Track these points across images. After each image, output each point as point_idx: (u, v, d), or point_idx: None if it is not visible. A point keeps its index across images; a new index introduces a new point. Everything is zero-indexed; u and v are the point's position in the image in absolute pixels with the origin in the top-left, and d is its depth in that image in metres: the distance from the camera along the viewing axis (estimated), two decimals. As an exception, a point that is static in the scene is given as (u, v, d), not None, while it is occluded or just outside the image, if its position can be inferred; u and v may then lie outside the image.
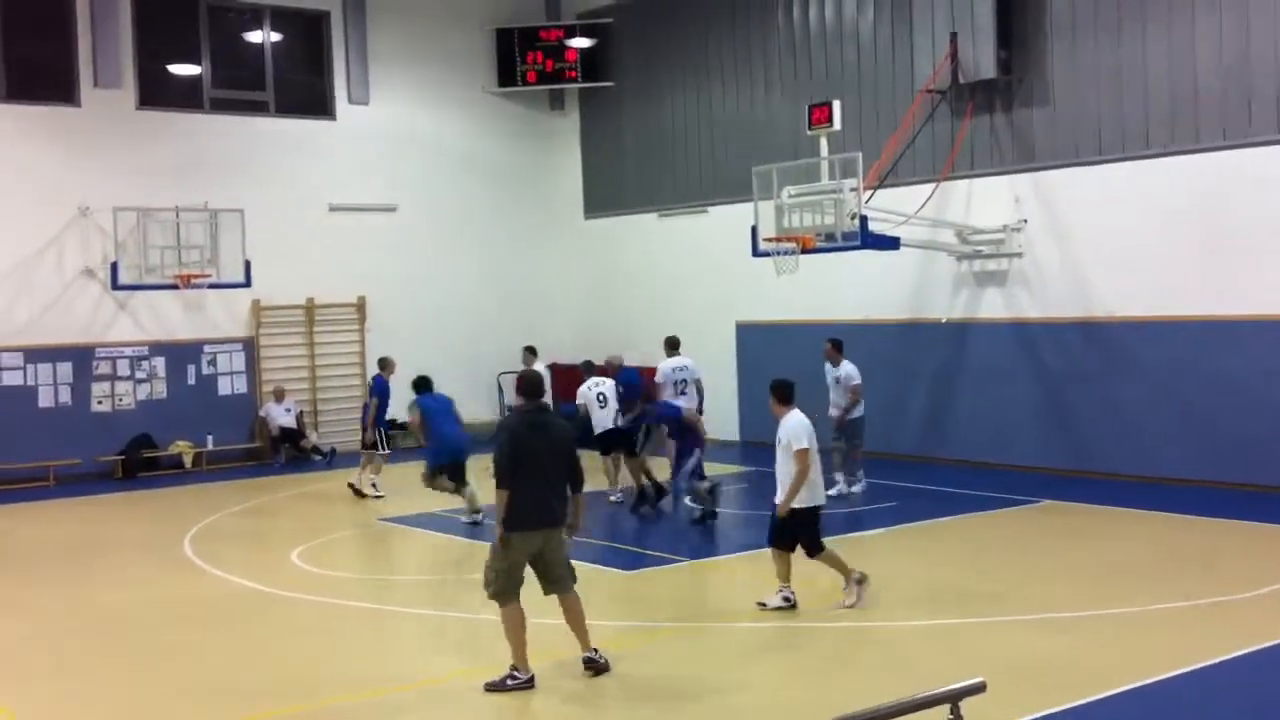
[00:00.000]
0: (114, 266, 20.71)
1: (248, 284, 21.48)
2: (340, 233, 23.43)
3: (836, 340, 16.63)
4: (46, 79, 21.29)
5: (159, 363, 21.63)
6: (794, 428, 10.40)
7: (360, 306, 23.71)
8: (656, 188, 24.16)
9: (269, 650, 10.19)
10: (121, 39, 21.53)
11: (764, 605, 10.52)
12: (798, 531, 10.45)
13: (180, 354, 21.85)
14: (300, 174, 23.12)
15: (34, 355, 20.52)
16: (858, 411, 16.33)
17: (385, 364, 18.47)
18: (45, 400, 20.52)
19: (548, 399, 10.77)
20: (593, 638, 8.98)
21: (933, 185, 18.65)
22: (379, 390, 18.19)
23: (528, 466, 8.58)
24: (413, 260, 24.18)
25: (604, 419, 16.48)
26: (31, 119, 20.85)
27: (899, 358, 19.40)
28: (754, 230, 18.00)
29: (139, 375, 21.45)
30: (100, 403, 21.05)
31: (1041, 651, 9.22)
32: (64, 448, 20.22)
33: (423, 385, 16.42)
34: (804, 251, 17.26)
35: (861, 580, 10.60)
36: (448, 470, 15.46)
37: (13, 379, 20.14)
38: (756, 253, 18.15)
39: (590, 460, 16.89)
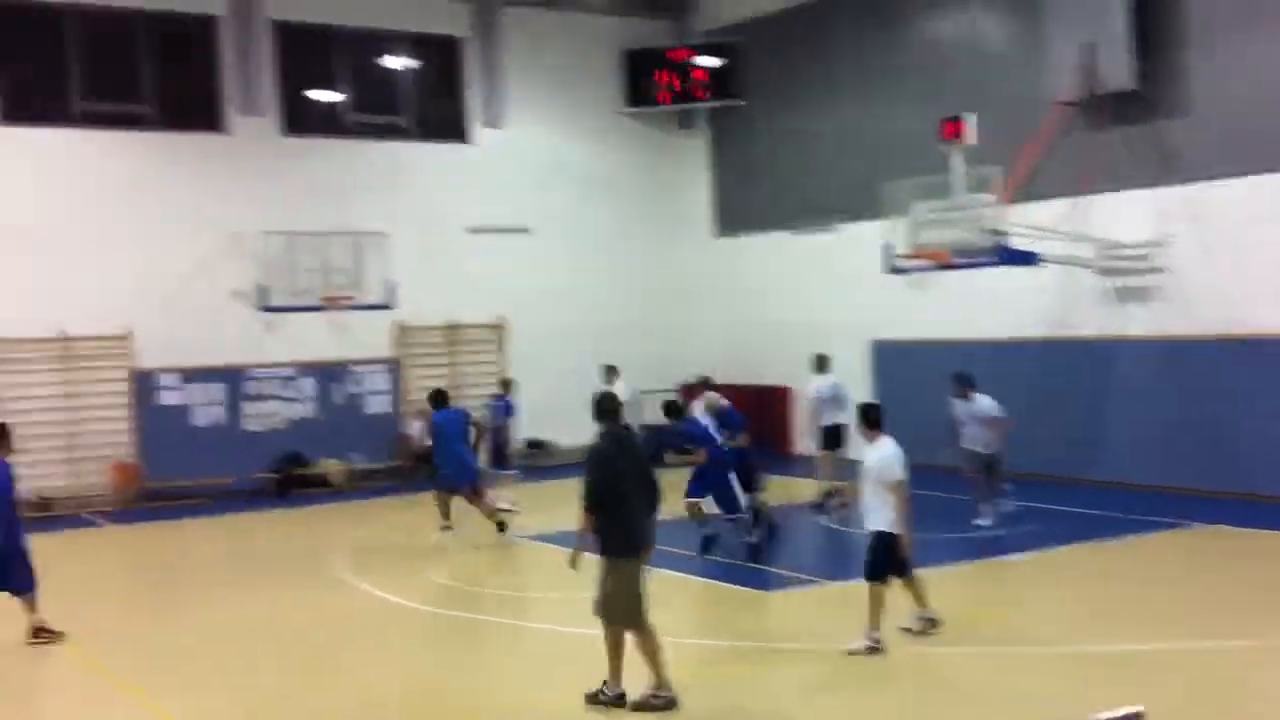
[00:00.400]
0: (264, 290, 21.50)
1: (391, 305, 22.13)
2: (478, 254, 23.93)
3: (964, 377, 15.51)
4: (195, 108, 22.18)
5: (307, 383, 22.36)
6: (888, 459, 10.06)
7: (498, 327, 24.18)
8: (787, 205, 24.18)
9: (416, 665, 10.52)
10: (264, 68, 22.33)
11: (909, 630, 10.38)
12: (876, 554, 10.10)
13: (327, 374, 22.56)
14: (439, 197, 23.70)
15: (190, 376, 21.40)
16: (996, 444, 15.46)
17: (507, 385, 18.84)
18: (200, 419, 21.38)
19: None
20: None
21: (1072, 200, 18.37)
22: (504, 410, 18.52)
23: (626, 489, 8.63)
24: (548, 281, 24.57)
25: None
26: (182, 146, 21.76)
27: (1038, 376, 19.09)
28: (888, 247, 17.95)
29: (288, 395, 22.22)
30: (253, 422, 21.84)
31: (1201, 679, 9.05)
32: (219, 465, 21.01)
33: (438, 400, 16.46)
34: (939, 268, 17.16)
35: (931, 621, 10.40)
36: (452, 491, 15.64)
37: (170, 399, 20.99)
38: (890, 270, 18.08)
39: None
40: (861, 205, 21.46)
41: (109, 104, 21.44)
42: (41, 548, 17.24)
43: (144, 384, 21.03)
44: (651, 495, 8.86)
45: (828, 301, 22.96)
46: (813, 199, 23.58)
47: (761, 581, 13.22)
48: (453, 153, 24.17)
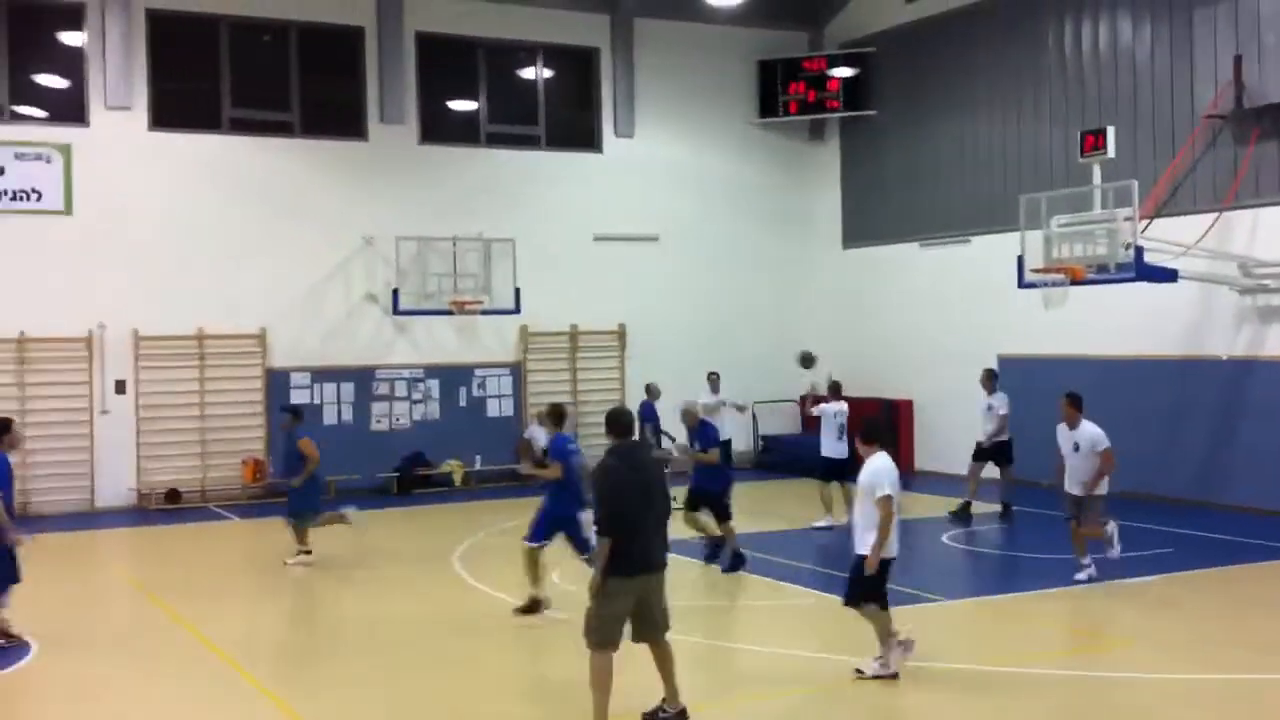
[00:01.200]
0: (395, 293, 21.94)
1: (517, 310, 22.43)
2: (603, 262, 24.08)
3: (1076, 396, 13.63)
4: (339, 116, 22.76)
5: (433, 384, 22.74)
6: (878, 472, 9.52)
7: (621, 334, 24.29)
8: (918, 217, 23.85)
9: (534, 666, 10.57)
10: (406, 78, 22.82)
11: (861, 673, 9.56)
12: (865, 582, 9.51)
13: (453, 377, 22.91)
14: (567, 205, 23.92)
15: (320, 376, 21.93)
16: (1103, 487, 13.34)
17: (651, 390, 18.98)
18: (330, 418, 21.87)
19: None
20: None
21: (1214, 215, 17.77)
22: (648, 415, 18.67)
23: (631, 509, 8.24)
24: (672, 289, 24.62)
25: (837, 447, 16.51)
26: (323, 153, 22.33)
27: (1173, 396, 18.51)
28: (1020, 261, 17.58)
29: (415, 396, 22.63)
30: (379, 422, 22.29)
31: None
32: (346, 464, 21.41)
33: (297, 414, 16.10)
34: (1073, 283, 16.74)
35: (906, 644, 9.66)
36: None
37: (301, 398, 21.50)
38: (1023, 284, 17.71)
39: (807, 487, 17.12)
40: (994, 218, 21.11)
41: (257, 111, 22.12)
42: (171, 540, 17.93)
43: (276, 382, 21.61)
44: (662, 513, 8.55)
45: (956, 315, 22.58)
46: (944, 211, 23.21)
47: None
48: (583, 162, 24.37)
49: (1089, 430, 13.14)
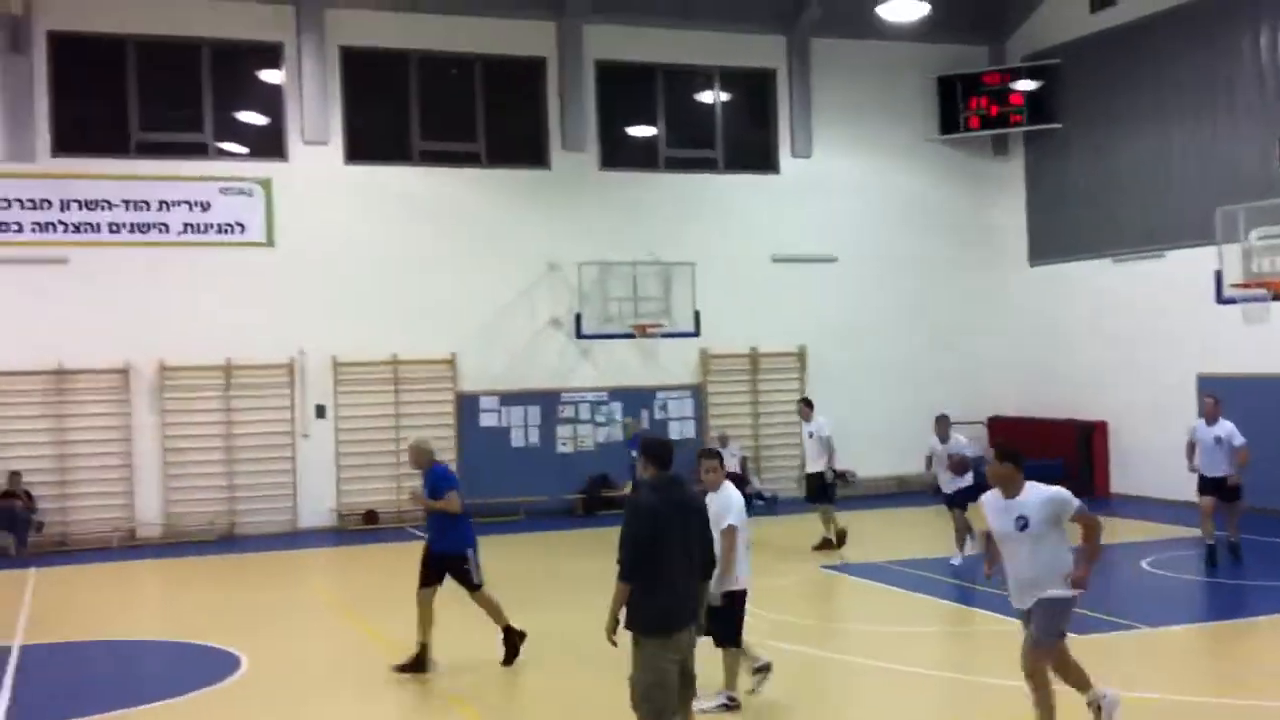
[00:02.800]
0: (578, 317, 22.35)
1: (697, 333, 22.59)
2: (782, 283, 24.06)
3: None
4: (521, 145, 23.31)
5: (616, 407, 23.04)
6: (724, 501, 9.18)
7: (801, 355, 24.21)
8: (1108, 231, 23.17)
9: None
10: (586, 106, 23.25)
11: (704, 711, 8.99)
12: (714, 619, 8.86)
13: (635, 399, 23.18)
14: (745, 227, 23.99)
15: (507, 399, 22.46)
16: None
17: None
18: (517, 440, 22.40)
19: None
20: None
21: None
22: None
23: (669, 553, 7.18)
24: (852, 310, 24.44)
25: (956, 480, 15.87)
26: (508, 181, 22.90)
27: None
28: (1219, 275, 16.97)
29: (598, 419, 22.97)
30: (564, 444, 22.71)
31: None
32: (532, 485, 21.91)
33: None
34: (1275, 298, 16.09)
35: (763, 669, 9.51)
36: None
37: (489, 420, 22.06)
38: (1221, 299, 17.09)
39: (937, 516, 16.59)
40: (1188, 231, 20.40)
41: (445, 143, 22.84)
42: (368, 559, 18.52)
43: (466, 406, 22.20)
44: (702, 560, 7.53)
45: (1150, 332, 21.85)
46: (1135, 225, 22.51)
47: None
48: (761, 183, 24.42)
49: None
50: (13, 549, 19.20)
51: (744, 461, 23.33)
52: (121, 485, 20.42)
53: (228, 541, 20.37)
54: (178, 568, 18.26)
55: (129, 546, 19.82)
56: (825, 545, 17.21)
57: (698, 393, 23.69)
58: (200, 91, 21.50)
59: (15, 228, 20.16)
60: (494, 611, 11.54)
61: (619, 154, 23.86)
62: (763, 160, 24.68)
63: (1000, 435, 21.79)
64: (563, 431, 22.79)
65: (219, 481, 20.90)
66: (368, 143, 22.35)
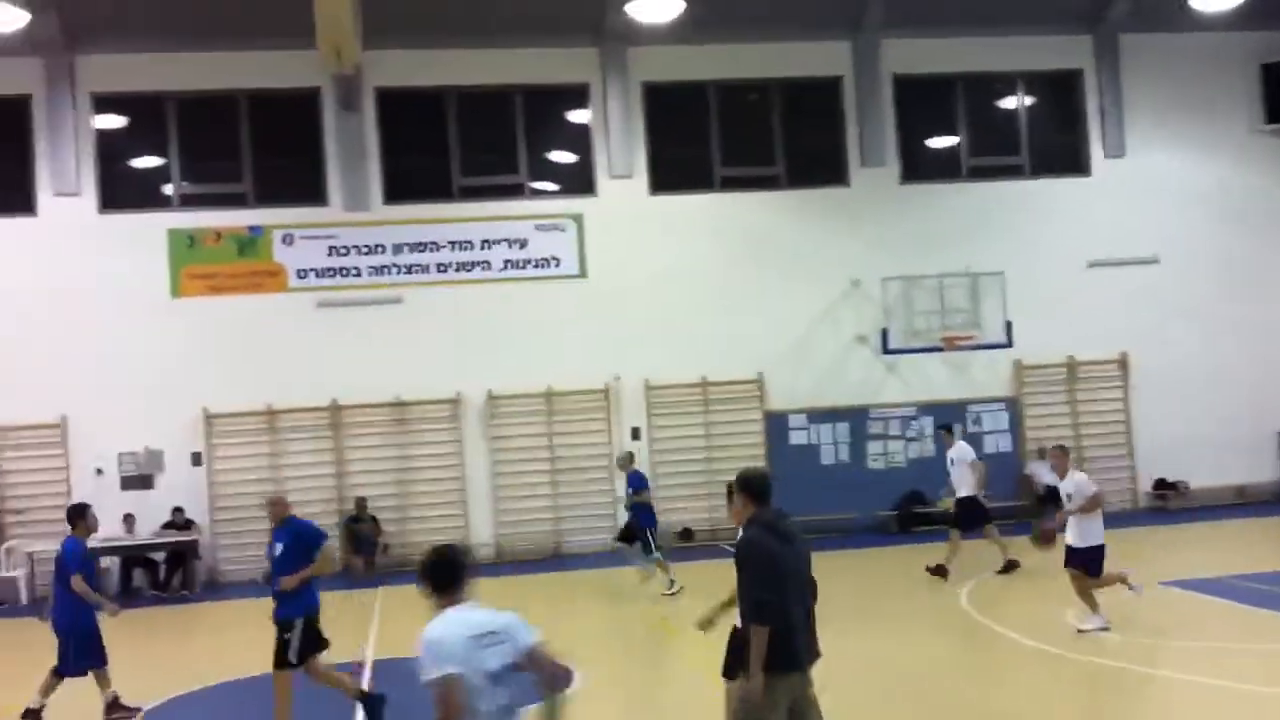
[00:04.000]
0: (884, 333, 22.24)
1: (1009, 344, 22.07)
2: (1099, 289, 23.18)
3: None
4: (821, 164, 23.44)
5: (926, 422, 22.76)
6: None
7: (1122, 363, 23.23)
8: None
9: (1053, 711, 10.36)
10: (885, 121, 23.18)
11: None
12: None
13: (946, 414, 22.74)
14: (1056, 233, 23.28)
15: (815, 417, 22.58)
16: None
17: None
18: (826, 458, 22.46)
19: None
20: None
21: None
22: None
23: (790, 588, 6.96)
24: (1176, 312, 23.27)
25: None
26: (808, 201, 23.06)
27: None
28: None
29: (909, 434, 22.76)
30: (875, 460, 22.60)
31: None
32: (843, 502, 21.89)
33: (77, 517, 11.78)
34: None
35: None
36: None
37: (798, 439, 22.23)
38: None
39: None
40: None
41: (745, 168, 23.25)
42: (683, 577, 18.92)
43: (775, 425, 22.45)
44: (811, 595, 7.25)
45: None
46: None
47: None
48: (1070, 187, 23.65)
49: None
50: (361, 569, 20.71)
51: (1064, 475, 22.55)
52: (456, 508, 21.74)
53: (554, 560, 21.31)
54: (513, 586, 19.22)
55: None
56: (1010, 566, 16.86)
57: (1013, 405, 23.10)
58: (514, 135, 22.70)
59: (355, 272, 21.83)
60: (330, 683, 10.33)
61: (920, 166, 23.63)
62: (1072, 163, 23.89)
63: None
64: (873, 448, 22.70)
65: (544, 503, 21.93)
66: (671, 173, 23.00)
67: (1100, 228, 23.43)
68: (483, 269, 22.20)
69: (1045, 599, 15.22)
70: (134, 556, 20.37)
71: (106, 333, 20.83)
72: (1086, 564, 12.88)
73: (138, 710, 11.57)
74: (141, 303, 21.06)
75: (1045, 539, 13.54)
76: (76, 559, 11.20)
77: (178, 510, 20.67)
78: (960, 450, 17.38)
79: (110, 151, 21.66)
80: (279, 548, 10.11)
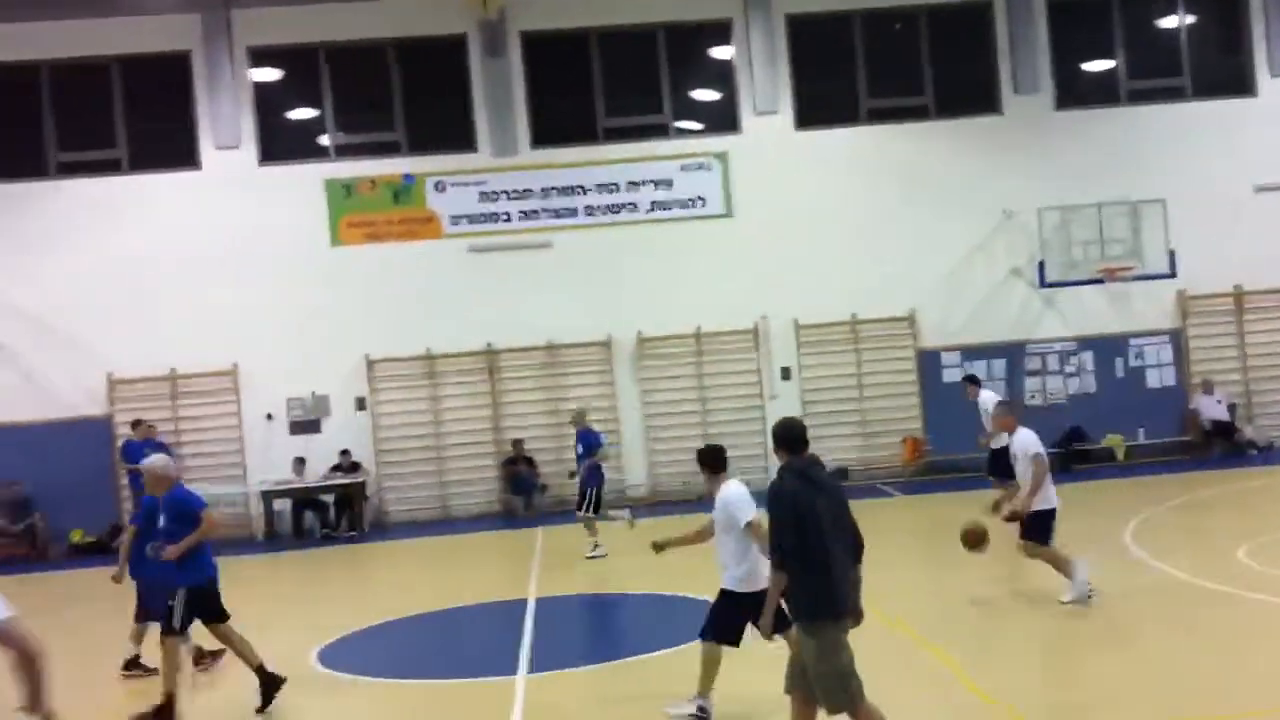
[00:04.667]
0: (1040, 265, 21.71)
1: (1172, 274, 21.36)
2: (1267, 214, 22.26)
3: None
4: (970, 92, 22.87)
5: (1086, 357, 22.25)
6: (733, 499, 8.80)
7: (1296, 289, 22.36)
8: None
9: (1225, 649, 10.11)
10: (1038, 45, 22.53)
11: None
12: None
13: (1106, 347, 22.27)
14: (1221, 156, 22.39)
15: (970, 353, 22.20)
16: None
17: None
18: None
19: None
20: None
21: None
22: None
23: (822, 535, 6.93)
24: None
25: None
26: (958, 131, 22.55)
27: None
28: None
29: (1068, 369, 22.25)
30: (1032, 397, 22.17)
31: None
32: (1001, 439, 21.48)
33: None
34: None
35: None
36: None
37: (952, 376, 21.88)
38: None
39: None
40: None
41: (892, 99, 22.80)
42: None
43: (928, 362, 22.15)
44: (854, 543, 7.19)
45: None
46: None
47: None
48: (1236, 108, 22.70)
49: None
50: (520, 510, 21.15)
51: (1233, 408, 21.88)
52: (610, 449, 21.98)
53: (708, 501, 21.35)
54: (666, 527, 19.40)
55: (620, 508, 21.18)
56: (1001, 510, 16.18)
57: (1177, 338, 22.39)
58: (657, 74, 22.62)
59: (505, 217, 22.10)
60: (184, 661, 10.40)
61: (1075, 92, 22.92)
62: (1237, 83, 22.93)
63: None
64: (1031, 384, 22.24)
65: (696, 444, 21.88)
66: (816, 107, 22.69)
67: (1268, 150, 22.46)
68: (629, 210, 22.27)
69: (1211, 538, 14.85)
70: (305, 499, 21.12)
71: (271, 282, 21.50)
72: (1035, 529, 12.07)
73: (220, 654, 11.53)
74: (302, 252, 21.66)
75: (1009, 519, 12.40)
76: (143, 513, 11.31)
77: (344, 453, 21.34)
78: (985, 398, 16.97)
79: (267, 104, 22.23)
80: (162, 519, 10.09)
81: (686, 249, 22.05)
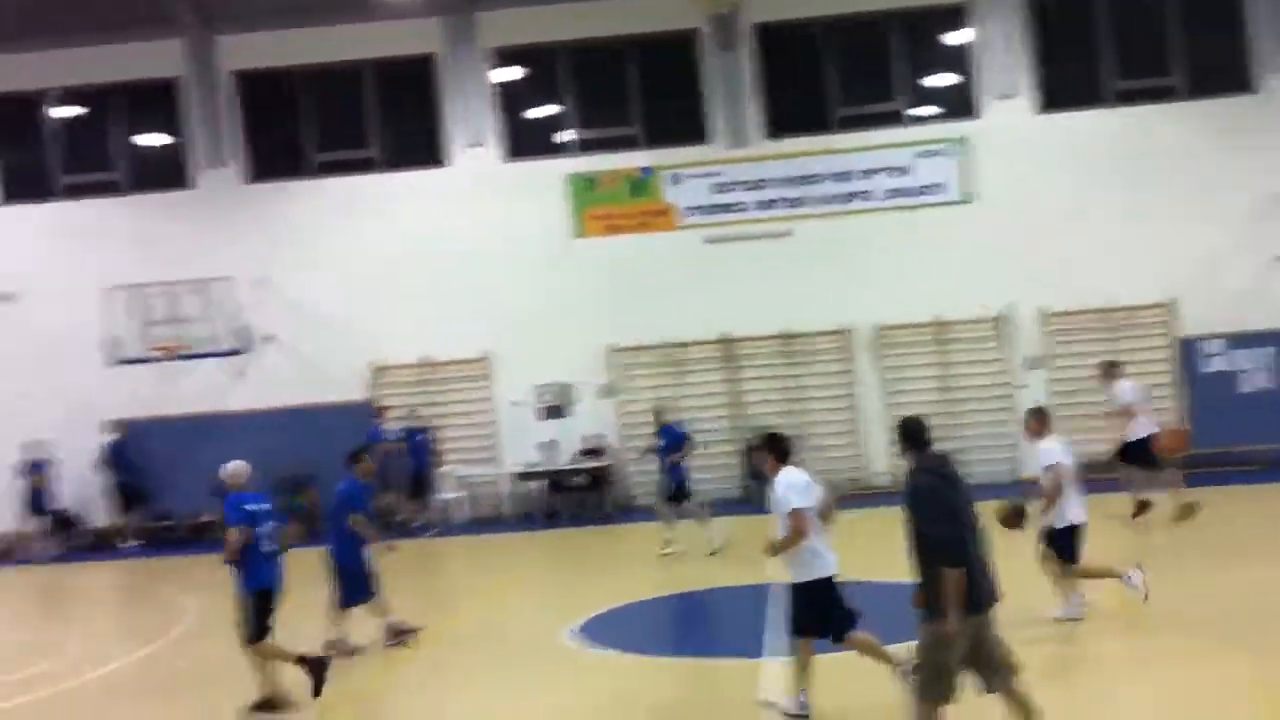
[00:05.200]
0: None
1: None
2: None
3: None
4: (1222, 71, 21.68)
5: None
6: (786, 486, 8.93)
7: None
8: None
9: None
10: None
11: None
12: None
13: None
14: None
15: (1235, 341, 21.07)
16: None
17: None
18: (1245, 385, 20.96)
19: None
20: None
21: None
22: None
23: (966, 530, 7.19)
24: None
25: None
26: (1210, 112, 21.51)
27: None
28: None
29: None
30: (1305, 387, 20.84)
31: None
32: (1266, 433, 20.27)
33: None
34: None
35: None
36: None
37: (1214, 365, 20.81)
38: None
39: None
40: None
41: (1139, 80, 21.85)
42: (1106, 508, 17.99)
43: (1189, 351, 21.13)
44: (982, 537, 7.36)
45: None
46: None
47: None
48: None
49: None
50: (760, 497, 21.06)
51: None
52: (850, 438, 21.79)
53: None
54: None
55: (861, 494, 20.95)
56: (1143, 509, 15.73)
57: None
58: (889, 61, 22.29)
59: (739, 208, 22.13)
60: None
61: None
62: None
63: None
64: (1303, 373, 20.94)
65: (938, 434, 21.42)
66: (1058, 90, 21.93)
67: None
68: (864, 199, 21.97)
69: None
70: (555, 482, 21.90)
71: (516, 274, 22.07)
72: (1060, 547, 11.24)
73: (416, 631, 12.20)
74: (546, 245, 22.16)
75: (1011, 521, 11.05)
76: (354, 500, 11.95)
77: (591, 439, 21.89)
78: (1122, 388, 16.52)
79: (510, 103, 22.85)
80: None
81: (925, 237, 21.62)
